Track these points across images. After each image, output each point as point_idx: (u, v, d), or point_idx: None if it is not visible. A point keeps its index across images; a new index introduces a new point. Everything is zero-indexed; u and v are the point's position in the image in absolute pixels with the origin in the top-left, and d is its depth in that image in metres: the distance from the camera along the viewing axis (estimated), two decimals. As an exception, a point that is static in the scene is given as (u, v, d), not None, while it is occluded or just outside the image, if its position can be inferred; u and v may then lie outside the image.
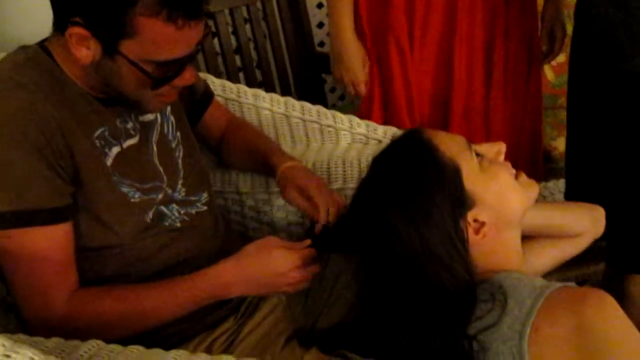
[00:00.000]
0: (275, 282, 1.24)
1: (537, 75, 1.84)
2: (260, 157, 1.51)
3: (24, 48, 1.26)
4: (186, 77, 1.22)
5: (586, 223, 1.33)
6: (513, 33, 1.75)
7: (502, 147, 1.19)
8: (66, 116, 1.19)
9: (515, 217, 1.15)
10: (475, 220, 1.10)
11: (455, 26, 1.71)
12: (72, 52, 1.18)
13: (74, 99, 1.22)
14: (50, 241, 1.18)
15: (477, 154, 1.15)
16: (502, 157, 1.18)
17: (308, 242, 1.27)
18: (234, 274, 1.23)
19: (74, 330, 1.15)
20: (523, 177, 1.18)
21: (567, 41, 1.82)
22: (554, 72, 2.44)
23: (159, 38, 1.14)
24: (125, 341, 1.09)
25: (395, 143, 1.19)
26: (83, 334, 1.11)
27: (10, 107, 1.17)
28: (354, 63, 1.74)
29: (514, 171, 1.18)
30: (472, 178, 1.11)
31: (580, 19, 1.60)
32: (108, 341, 1.07)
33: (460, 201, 1.09)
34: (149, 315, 1.21)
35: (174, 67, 1.19)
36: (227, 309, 1.34)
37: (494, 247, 1.12)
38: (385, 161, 1.17)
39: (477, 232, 1.10)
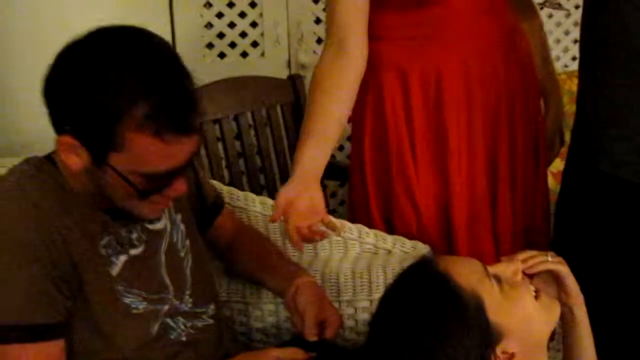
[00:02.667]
0: None
1: (545, 172, 1.80)
2: (270, 269, 1.48)
3: (29, 159, 1.25)
4: (176, 188, 1.20)
5: None
6: (519, 130, 1.68)
7: (518, 265, 1.15)
8: (70, 225, 1.18)
9: (542, 340, 1.11)
10: (503, 352, 1.05)
11: (447, 139, 1.62)
12: (63, 159, 1.17)
13: (79, 208, 1.21)
14: (43, 358, 1.13)
15: (495, 277, 1.10)
16: (520, 277, 1.14)
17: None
18: None
19: None
20: (544, 297, 1.14)
21: (564, 150, 1.81)
22: (554, 179, 2.42)
23: (146, 152, 1.13)
24: None
25: (408, 276, 1.12)
26: None
27: (13, 217, 1.16)
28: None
29: (533, 289, 1.15)
30: (495, 309, 1.05)
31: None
32: None
33: (486, 337, 1.04)
34: None
35: (163, 180, 1.18)
36: None
37: None
38: (398, 300, 1.10)
39: None
